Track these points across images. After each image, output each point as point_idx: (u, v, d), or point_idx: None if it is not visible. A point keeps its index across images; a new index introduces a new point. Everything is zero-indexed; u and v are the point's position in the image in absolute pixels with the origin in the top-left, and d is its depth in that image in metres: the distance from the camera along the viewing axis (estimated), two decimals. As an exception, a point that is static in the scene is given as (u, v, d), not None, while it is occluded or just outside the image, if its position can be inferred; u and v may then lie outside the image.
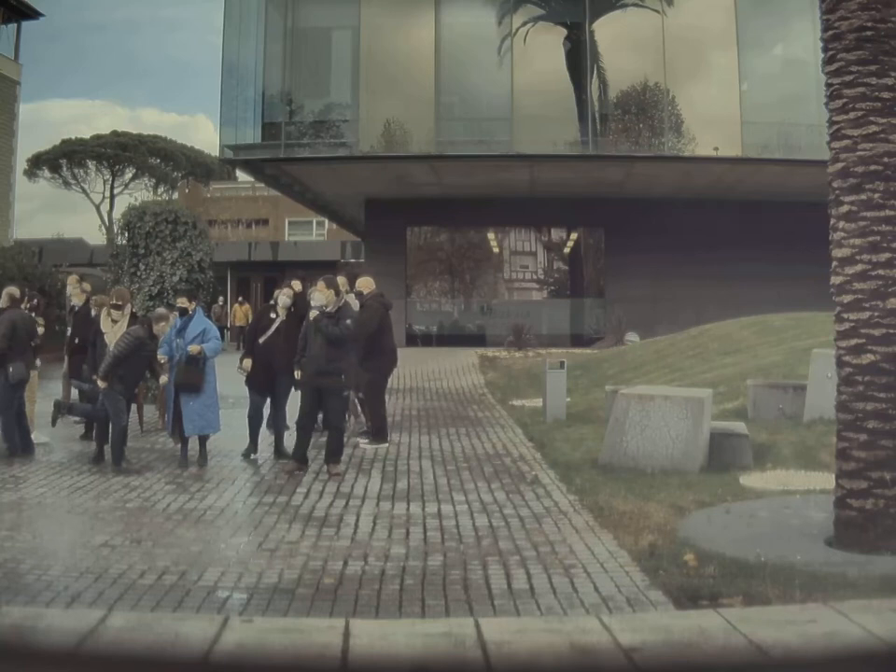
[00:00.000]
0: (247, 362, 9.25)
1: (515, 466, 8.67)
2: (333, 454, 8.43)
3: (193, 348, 8.47)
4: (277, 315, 9.31)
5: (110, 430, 8.49)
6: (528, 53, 21.14)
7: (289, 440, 9.79)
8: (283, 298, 9.44)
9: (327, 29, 22.76)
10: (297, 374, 8.85)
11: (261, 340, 9.27)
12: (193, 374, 8.50)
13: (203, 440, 8.68)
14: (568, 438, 9.90)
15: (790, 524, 6.12)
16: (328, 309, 8.39)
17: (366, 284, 10.20)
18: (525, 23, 21.40)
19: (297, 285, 9.88)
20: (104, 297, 10.56)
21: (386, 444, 9.75)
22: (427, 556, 5.67)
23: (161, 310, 9.67)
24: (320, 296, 8.51)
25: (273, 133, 21.79)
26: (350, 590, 5.00)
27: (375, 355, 9.95)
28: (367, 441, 9.77)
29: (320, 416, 8.90)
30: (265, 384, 9.19)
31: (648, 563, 5.30)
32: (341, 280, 9.10)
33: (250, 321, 16.45)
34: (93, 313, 10.48)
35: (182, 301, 8.96)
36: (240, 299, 31.70)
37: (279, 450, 9.04)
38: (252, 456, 8.97)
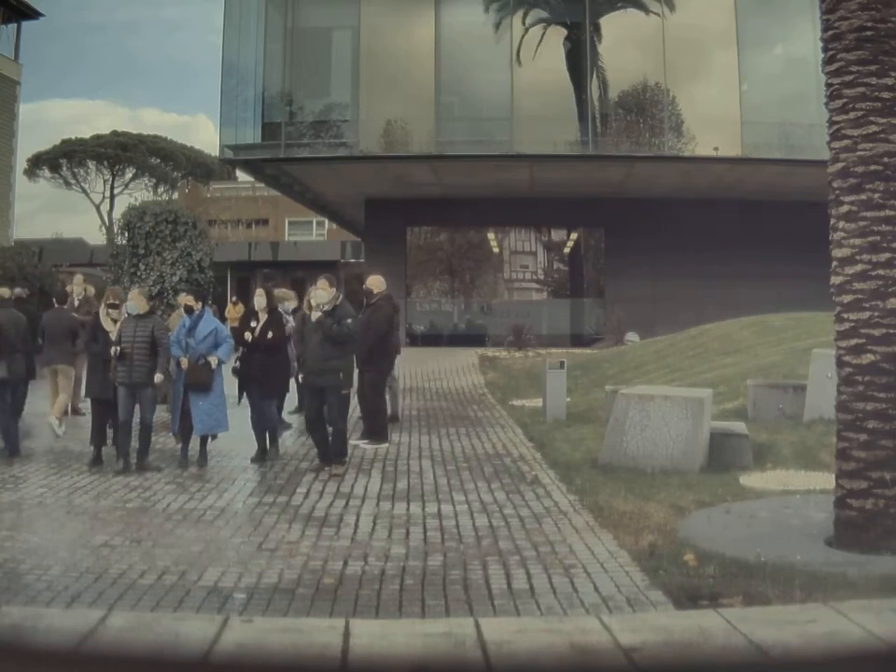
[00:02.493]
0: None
1: (515, 466, 8.66)
2: (336, 454, 8.42)
3: (211, 359, 8.51)
4: (258, 321, 9.16)
5: (140, 429, 8.47)
6: (528, 53, 21.13)
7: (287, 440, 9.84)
8: (257, 299, 9.36)
9: (327, 29, 22.75)
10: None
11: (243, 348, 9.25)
12: (203, 374, 8.50)
13: (203, 440, 8.67)
14: (568, 438, 9.89)
15: (790, 524, 6.12)
16: (325, 308, 8.39)
17: (376, 283, 10.17)
18: (525, 23, 21.40)
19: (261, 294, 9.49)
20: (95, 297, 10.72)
21: (386, 444, 9.74)
22: (426, 556, 5.67)
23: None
24: (324, 294, 8.49)
25: (272, 133, 21.77)
26: (350, 590, 5.00)
27: (380, 355, 9.95)
28: (366, 441, 9.76)
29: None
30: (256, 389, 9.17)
31: (648, 563, 5.30)
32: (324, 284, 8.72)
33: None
34: (78, 315, 10.59)
35: (187, 300, 8.96)
36: (233, 298, 31.58)
37: (270, 452, 9.01)
38: (264, 459, 8.93)
